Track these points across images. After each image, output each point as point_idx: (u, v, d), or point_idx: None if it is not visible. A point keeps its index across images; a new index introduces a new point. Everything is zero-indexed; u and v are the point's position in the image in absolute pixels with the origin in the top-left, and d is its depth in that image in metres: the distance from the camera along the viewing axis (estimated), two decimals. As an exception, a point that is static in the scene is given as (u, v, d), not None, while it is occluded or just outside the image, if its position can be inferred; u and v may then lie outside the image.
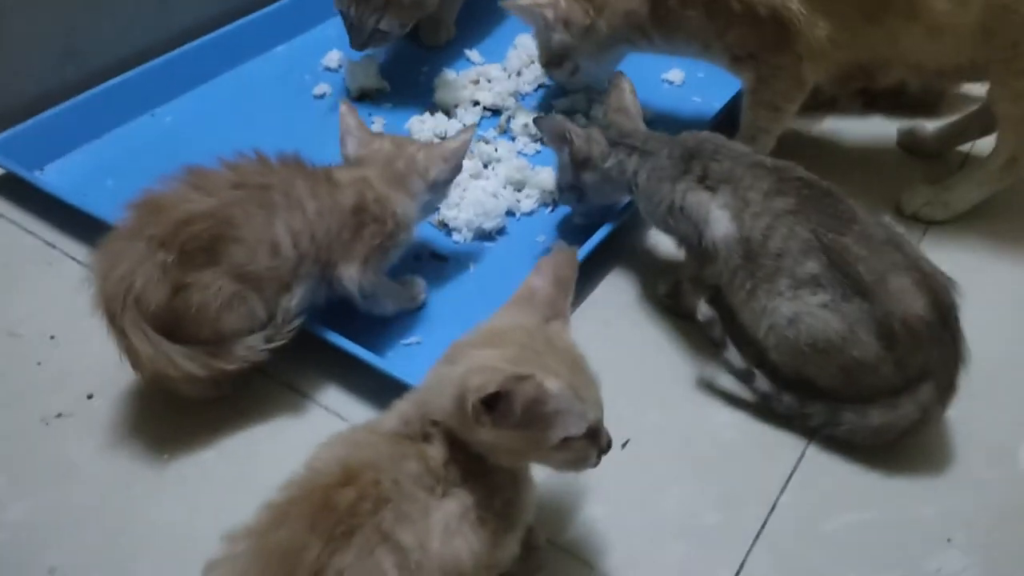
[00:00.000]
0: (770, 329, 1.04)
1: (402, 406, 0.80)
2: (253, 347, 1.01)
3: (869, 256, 0.98)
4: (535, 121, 1.26)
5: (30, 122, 1.38)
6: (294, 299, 1.02)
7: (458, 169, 1.16)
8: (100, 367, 1.08)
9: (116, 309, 0.93)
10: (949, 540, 0.97)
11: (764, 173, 1.06)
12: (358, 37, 1.49)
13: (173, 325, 0.96)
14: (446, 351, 0.78)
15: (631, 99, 1.25)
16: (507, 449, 0.74)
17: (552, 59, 1.46)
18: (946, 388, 0.99)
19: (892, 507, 1.00)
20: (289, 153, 1.07)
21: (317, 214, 1.03)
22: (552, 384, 0.71)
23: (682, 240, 1.14)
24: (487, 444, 0.73)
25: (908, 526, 0.98)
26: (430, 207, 1.19)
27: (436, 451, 0.75)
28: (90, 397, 1.07)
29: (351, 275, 1.06)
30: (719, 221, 1.05)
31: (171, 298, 0.94)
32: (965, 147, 1.50)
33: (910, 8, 1.17)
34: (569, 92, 1.56)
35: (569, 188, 1.24)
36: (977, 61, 1.24)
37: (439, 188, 1.15)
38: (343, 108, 1.17)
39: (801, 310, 1.00)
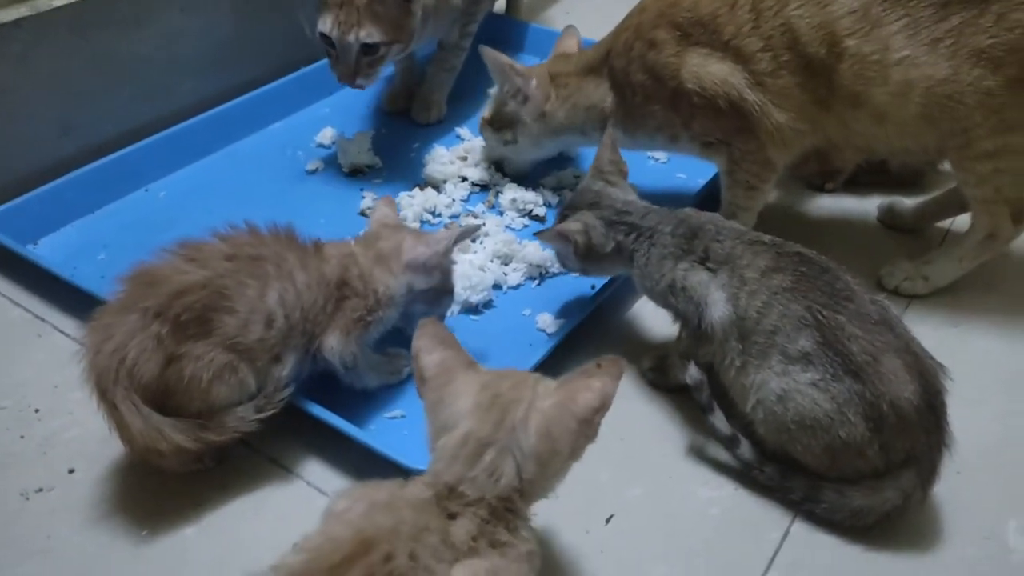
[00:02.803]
0: (758, 403, 1.04)
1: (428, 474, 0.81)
2: (244, 418, 1.01)
3: (862, 336, 0.99)
4: (536, 235, 1.24)
5: (26, 197, 1.41)
6: (285, 369, 1.03)
7: (444, 260, 1.15)
8: (83, 442, 1.09)
9: (108, 383, 0.94)
10: (937, 621, 0.96)
11: (763, 249, 1.07)
12: (345, 63, 1.45)
13: (164, 397, 0.96)
14: None
15: (610, 157, 1.23)
16: None
17: (496, 120, 1.50)
18: (928, 474, 0.99)
19: (878, 586, 0.99)
20: (281, 225, 1.09)
21: (306, 286, 1.04)
22: None
23: (681, 318, 1.14)
24: None
25: (895, 606, 0.97)
26: (424, 300, 1.16)
27: (461, 529, 0.75)
28: (72, 472, 1.07)
29: (332, 346, 1.06)
30: (717, 304, 1.06)
31: (163, 370, 0.95)
32: (945, 223, 1.53)
33: (855, 97, 1.23)
34: (554, 171, 1.60)
35: (573, 269, 1.25)
36: (928, 146, 1.28)
37: (418, 273, 1.14)
38: (377, 203, 1.24)
39: (791, 387, 1.01)
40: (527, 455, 0.80)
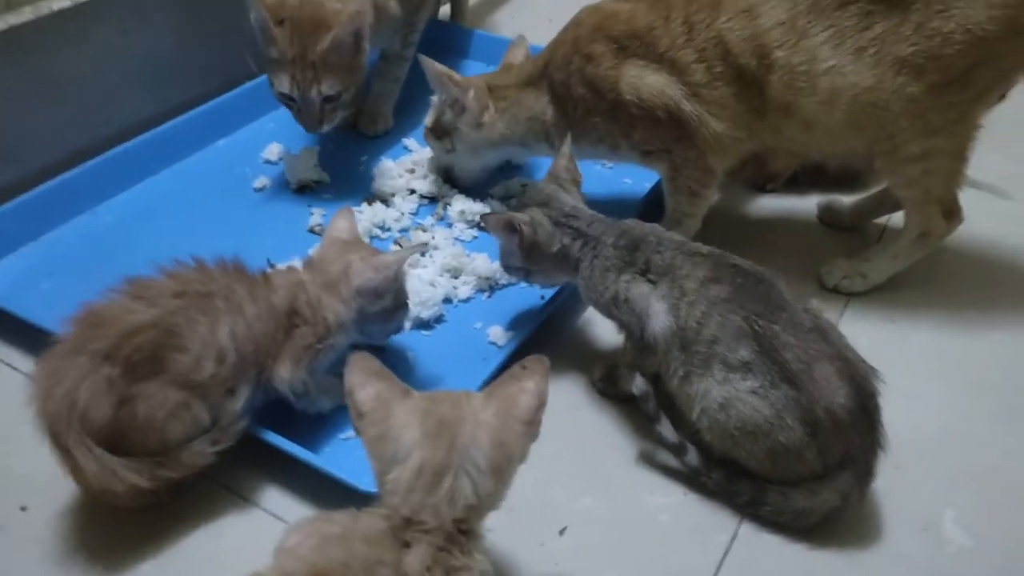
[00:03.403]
0: (702, 412, 1.07)
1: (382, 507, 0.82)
2: (200, 452, 1.02)
3: (796, 344, 1.02)
4: (481, 219, 1.25)
5: (-37, 228, 1.38)
6: (239, 402, 1.04)
7: (392, 282, 1.15)
8: (33, 478, 1.08)
9: (60, 427, 0.93)
10: (878, 615, 1.00)
11: (700, 260, 1.10)
12: (310, 115, 1.48)
13: (118, 438, 0.96)
14: None
15: (566, 165, 1.25)
16: None
17: (436, 128, 1.52)
18: (865, 475, 1.03)
19: (822, 584, 1.03)
20: (228, 258, 1.09)
21: (256, 317, 1.05)
22: None
23: (625, 329, 1.16)
24: None
25: (838, 603, 1.01)
26: (375, 320, 1.17)
27: (415, 559, 0.77)
28: (24, 509, 1.06)
29: (282, 376, 1.07)
30: (658, 315, 1.09)
31: (116, 411, 0.95)
32: (883, 219, 1.58)
33: (786, 107, 1.27)
34: (502, 180, 1.61)
35: (516, 269, 1.25)
36: (858, 151, 1.32)
37: (369, 298, 1.13)
38: (336, 215, 1.22)
39: (732, 395, 1.04)
40: (483, 471, 0.82)
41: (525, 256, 1.20)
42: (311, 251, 1.38)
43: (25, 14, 1.42)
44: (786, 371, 1.01)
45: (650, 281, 1.11)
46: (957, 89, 1.21)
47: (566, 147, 1.26)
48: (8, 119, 1.47)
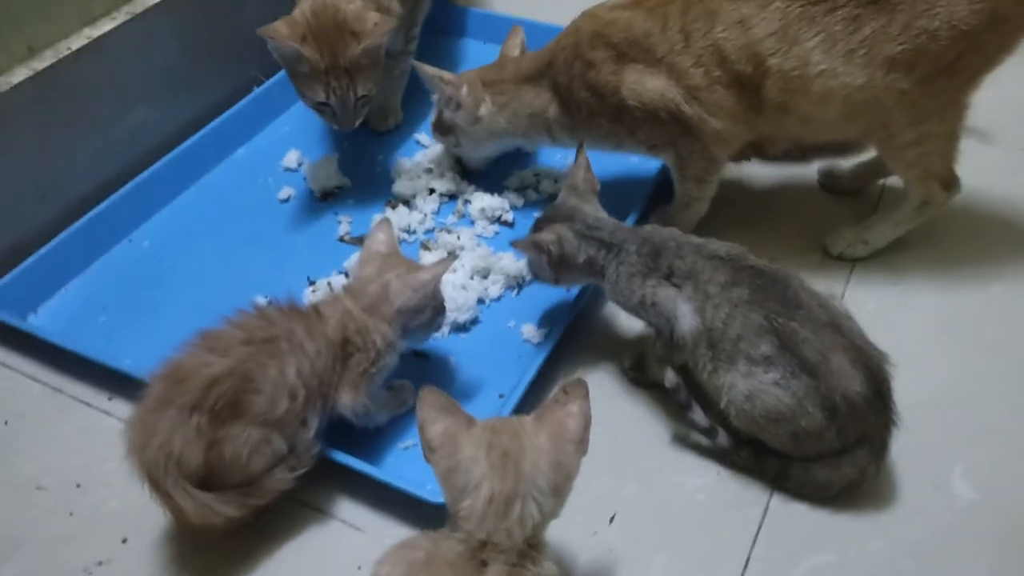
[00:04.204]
0: (730, 402, 1.17)
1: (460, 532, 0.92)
2: (281, 479, 1.12)
3: (813, 338, 1.11)
4: (512, 245, 1.32)
5: (18, 270, 1.45)
6: (310, 430, 1.14)
7: (431, 298, 1.22)
8: (128, 510, 1.18)
9: (159, 475, 1.04)
10: (898, 571, 1.12)
11: (720, 264, 1.18)
12: (346, 116, 1.55)
13: (209, 477, 1.07)
14: None
15: (584, 176, 1.32)
16: None
17: (439, 126, 1.60)
18: (880, 450, 1.15)
19: (846, 547, 1.14)
20: (283, 300, 1.18)
21: (316, 353, 1.14)
22: None
23: (654, 328, 1.25)
24: None
25: (861, 563, 1.13)
26: (419, 331, 1.25)
27: None
28: (124, 541, 1.17)
29: (345, 403, 1.17)
30: (685, 316, 1.18)
31: (207, 455, 1.06)
32: (882, 180, 1.65)
33: (783, 106, 1.33)
34: (516, 170, 1.68)
35: (545, 279, 1.33)
36: (854, 137, 1.41)
37: (410, 315, 1.21)
38: (373, 225, 1.29)
39: (756, 387, 1.14)
40: (546, 493, 0.92)
41: (554, 269, 1.29)
42: (346, 264, 1.47)
43: (47, 58, 1.47)
44: (805, 363, 1.11)
45: (675, 285, 1.19)
46: (946, 77, 1.27)
47: (582, 158, 1.33)
48: (42, 163, 1.53)
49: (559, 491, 0.94)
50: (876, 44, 1.25)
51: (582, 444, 0.95)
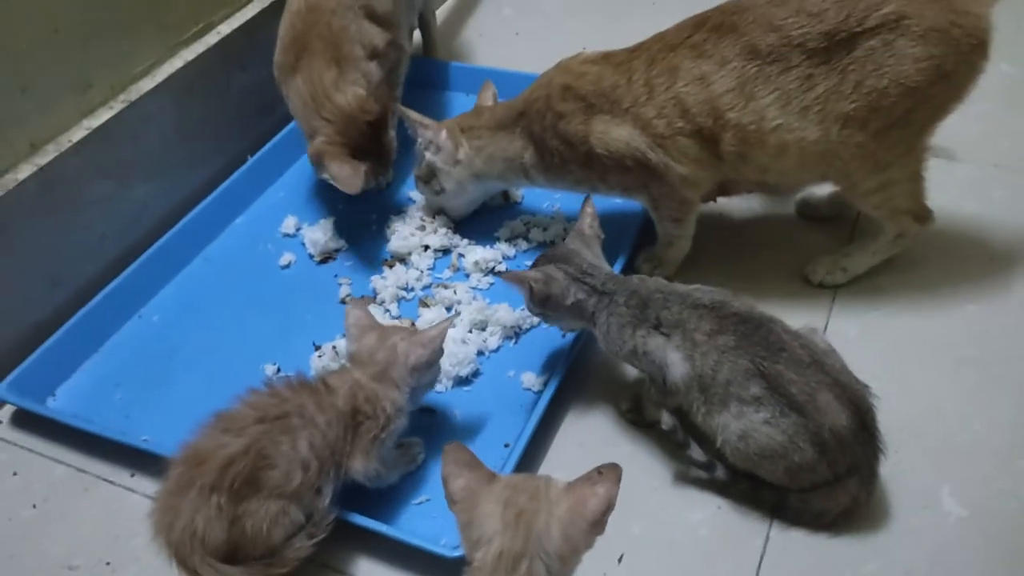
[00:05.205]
0: (724, 442, 1.23)
1: None
2: (302, 547, 1.18)
3: (798, 379, 1.17)
4: (498, 275, 1.40)
5: (35, 356, 1.50)
6: (326, 498, 1.20)
7: (439, 353, 1.30)
8: (156, 583, 1.24)
9: (185, 554, 1.10)
10: (895, 590, 1.18)
11: (705, 313, 1.24)
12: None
13: (233, 551, 1.12)
14: None
15: (590, 223, 1.39)
16: None
17: (422, 173, 1.69)
18: (869, 478, 1.20)
19: (845, 570, 1.20)
20: (293, 377, 1.24)
21: (327, 425, 1.19)
22: None
23: (647, 375, 1.30)
24: None
25: (859, 585, 1.19)
26: (422, 389, 1.31)
27: None
28: (156, 613, 1.23)
29: (357, 469, 1.22)
30: (676, 364, 1.24)
31: (229, 531, 1.11)
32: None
33: (742, 156, 1.40)
34: (506, 221, 1.75)
35: (535, 313, 1.39)
36: (815, 183, 1.50)
37: (422, 372, 1.28)
38: (347, 308, 1.33)
39: (748, 427, 1.20)
40: (553, 557, 0.97)
41: (539, 306, 1.35)
42: (349, 347, 1.50)
43: (49, 152, 1.53)
44: (793, 402, 1.17)
45: (664, 334, 1.25)
46: (899, 128, 1.34)
47: (590, 207, 1.40)
48: (48, 249, 1.58)
49: (566, 560, 0.98)
50: (829, 102, 1.32)
51: (598, 526, 0.99)
